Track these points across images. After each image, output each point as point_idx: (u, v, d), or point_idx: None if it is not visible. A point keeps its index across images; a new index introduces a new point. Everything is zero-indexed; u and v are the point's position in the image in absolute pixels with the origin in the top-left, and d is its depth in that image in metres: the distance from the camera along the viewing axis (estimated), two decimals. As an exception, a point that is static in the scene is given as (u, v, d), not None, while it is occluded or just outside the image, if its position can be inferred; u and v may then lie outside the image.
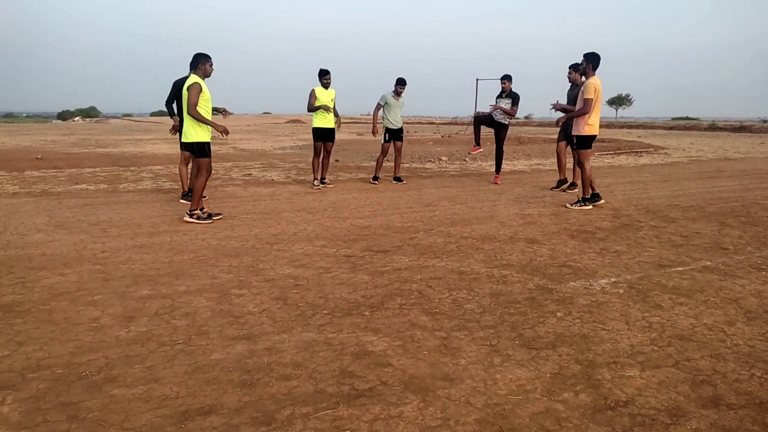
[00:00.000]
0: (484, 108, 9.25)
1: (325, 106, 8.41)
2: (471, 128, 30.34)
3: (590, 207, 7.11)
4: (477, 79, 29.46)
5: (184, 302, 3.51)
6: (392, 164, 10.01)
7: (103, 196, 7.73)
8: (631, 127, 46.26)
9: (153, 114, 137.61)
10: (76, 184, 8.92)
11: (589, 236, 5.52)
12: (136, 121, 77.77)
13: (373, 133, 9.56)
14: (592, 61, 6.92)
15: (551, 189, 8.87)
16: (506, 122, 9.23)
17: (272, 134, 29.04)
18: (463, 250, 4.94)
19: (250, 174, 10.62)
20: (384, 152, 9.55)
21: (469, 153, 9.44)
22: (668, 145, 20.21)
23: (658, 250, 4.98)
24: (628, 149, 17.02)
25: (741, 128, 39.08)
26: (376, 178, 9.54)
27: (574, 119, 7.14)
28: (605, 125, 49.51)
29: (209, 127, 6.00)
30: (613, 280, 4.08)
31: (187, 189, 7.30)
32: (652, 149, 17.57)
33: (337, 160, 13.59)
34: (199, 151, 5.96)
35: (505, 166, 12.78)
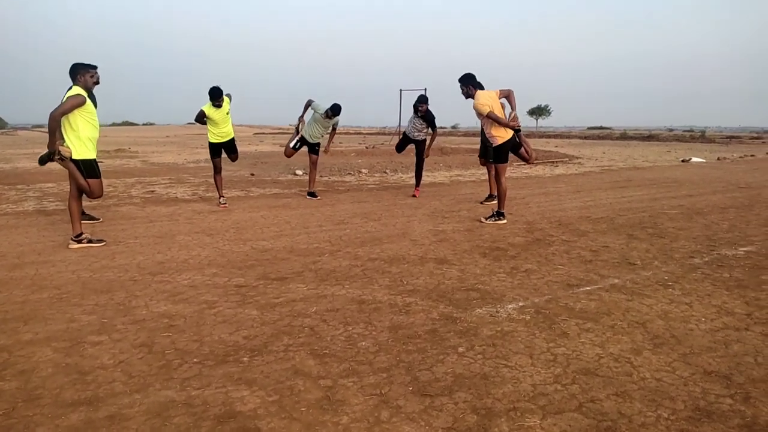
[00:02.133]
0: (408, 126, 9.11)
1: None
2: (395, 139, 30.35)
3: (505, 221, 6.97)
4: (401, 90, 29.45)
5: (23, 356, 2.95)
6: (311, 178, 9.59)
7: (-27, 221, 6.84)
8: (549, 137, 48.10)
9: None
10: (-55, 206, 7.91)
11: (500, 254, 5.32)
12: (46, 132, 72.66)
13: (297, 126, 9.03)
14: (469, 81, 6.87)
15: (480, 203, 8.66)
16: (423, 137, 9.13)
17: (190, 146, 27.82)
18: (368, 274, 4.59)
19: (153, 191, 9.87)
20: (287, 155, 9.22)
21: (413, 196, 9.27)
22: (582, 155, 20.92)
23: (567, 267, 4.84)
24: (544, 159, 17.40)
25: (650, 137, 41.48)
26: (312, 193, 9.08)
27: (488, 135, 7.03)
28: (525, 134, 51.20)
29: (94, 142, 5.38)
30: (520, 304, 3.85)
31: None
32: (567, 159, 18.06)
33: (252, 174, 13.01)
34: (86, 170, 5.30)
35: (426, 177, 12.64)
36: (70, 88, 5.35)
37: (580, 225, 6.78)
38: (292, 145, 9.11)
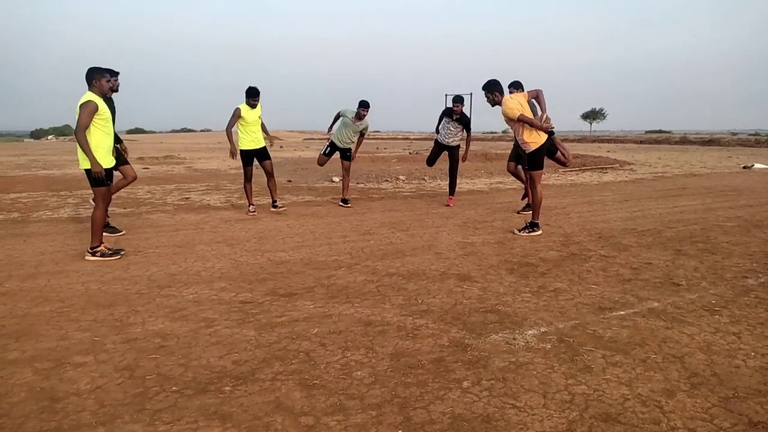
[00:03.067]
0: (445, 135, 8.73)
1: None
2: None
3: (539, 233, 6.55)
4: (446, 95, 29.03)
5: (1, 377, 2.81)
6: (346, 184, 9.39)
7: (8, 228, 6.96)
8: (602, 141, 46.42)
9: (129, 132, 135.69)
10: (-13, 212, 8.12)
11: (529, 270, 4.94)
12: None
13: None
14: (495, 88, 6.50)
15: (517, 212, 8.25)
16: (457, 143, 8.75)
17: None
18: (382, 291, 4.31)
19: (187, 198, 9.90)
20: (320, 163, 9.07)
21: (446, 205, 8.92)
22: (635, 161, 19.96)
23: (602, 287, 4.41)
24: (593, 166, 16.66)
25: (710, 141, 39.41)
26: (345, 200, 8.90)
27: (521, 144, 6.66)
28: (576, 140, 49.72)
29: (107, 150, 5.32)
30: (542, 330, 3.48)
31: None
32: (617, 165, 17.24)
33: (289, 181, 12.95)
34: (93, 178, 5.24)
35: (464, 185, 12.27)
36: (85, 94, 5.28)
37: (623, 238, 6.29)
38: (323, 151, 8.98)
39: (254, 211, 8.07)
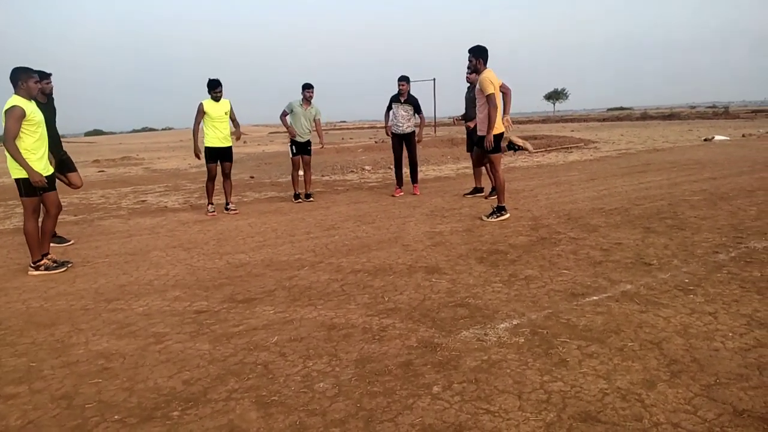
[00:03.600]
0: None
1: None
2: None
3: (507, 216, 6.42)
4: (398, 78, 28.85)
5: None
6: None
7: (-54, 244, 6.50)
8: (566, 121, 46.97)
9: (87, 134, 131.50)
10: (-75, 228, 7.60)
11: (499, 258, 4.78)
12: (69, 142, 73.45)
13: (291, 135, 8.53)
14: (481, 55, 6.33)
15: (464, 195, 8.26)
16: (412, 129, 8.52)
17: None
18: (347, 290, 4.10)
19: (143, 201, 9.49)
20: (295, 166, 8.68)
21: (392, 195, 8.67)
22: (599, 139, 20.11)
23: (573, 271, 4.28)
24: (558, 146, 16.69)
25: (671, 116, 40.18)
26: (297, 196, 8.60)
27: (479, 119, 6.48)
28: (540, 120, 50.14)
29: (41, 156, 4.89)
30: (515, 322, 3.32)
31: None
32: (582, 144, 17.32)
33: (252, 177, 12.60)
34: (25, 188, 4.83)
35: (430, 171, 12.13)
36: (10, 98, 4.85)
37: (592, 218, 6.19)
38: (291, 153, 8.64)
39: (213, 212, 7.75)
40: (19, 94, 4.74)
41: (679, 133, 21.84)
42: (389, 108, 8.49)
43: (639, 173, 10.05)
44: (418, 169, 9.06)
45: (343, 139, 32.66)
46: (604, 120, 43.15)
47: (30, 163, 4.74)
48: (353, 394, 2.56)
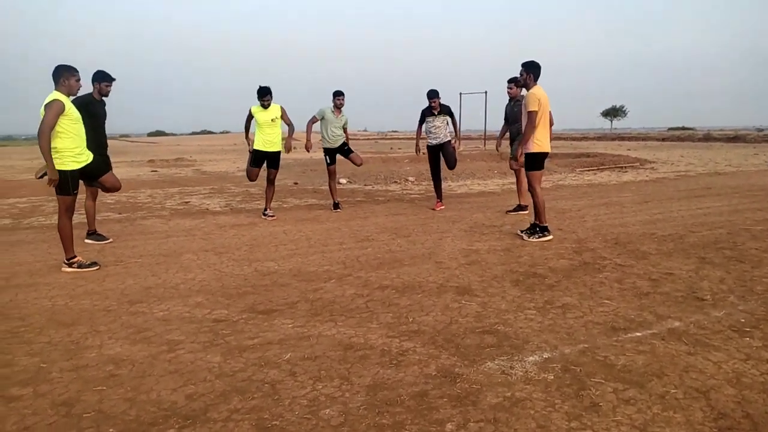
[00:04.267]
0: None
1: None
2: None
3: (550, 237, 6.11)
4: (460, 93, 28.59)
5: None
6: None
7: (-6, 235, 6.71)
8: (623, 139, 45.42)
9: (150, 134, 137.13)
10: (-21, 219, 7.90)
11: (537, 282, 4.50)
12: (133, 141, 76.92)
13: (306, 147, 8.52)
14: (532, 70, 6.08)
15: (506, 212, 8.00)
16: (449, 138, 8.30)
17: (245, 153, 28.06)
18: (371, 307, 3.92)
19: (187, 202, 9.61)
20: (331, 175, 8.59)
21: (432, 209, 8.50)
22: (657, 159, 19.27)
23: (616, 302, 3.96)
24: (612, 164, 16.06)
25: (735, 138, 38.24)
26: (336, 205, 8.53)
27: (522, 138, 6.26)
28: (595, 137, 48.78)
29: (76, 153, 4.92)
30: (545, 356, 3.05)
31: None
32: (638, 164, 16.61)
33: (295, 183, 12.63)
34: (60, 186, 4.85)
35: (476, 185, 11.87)
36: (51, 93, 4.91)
37: (642, 244, 5.81)
38: (327, 163, 8.56)
39: (272, 215, 7.74)
40: (59, 91, 4.81)
41: (744, 157, 20.68)
42: (421, 122, 8.32)
43: (697, 197, 9.47)
44: (442, 184, 8.90)
45: (391, 148, 32.61)
46: (663, 139, 41.47)
47: (64, 160, 4.79)
48: (359, 426, 2.37)
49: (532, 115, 5.91)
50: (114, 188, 5.67)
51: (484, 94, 27.97)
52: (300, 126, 8.45)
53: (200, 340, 3.34)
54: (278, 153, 7.78)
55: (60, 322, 3.66)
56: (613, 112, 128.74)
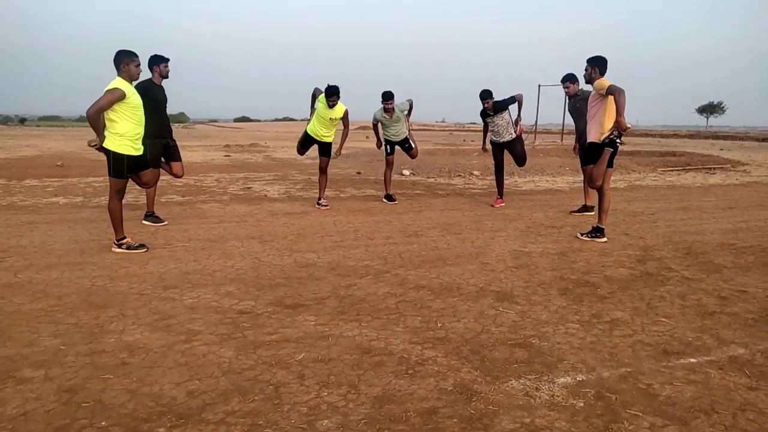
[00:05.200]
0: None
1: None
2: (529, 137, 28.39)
3: (604, 240, 5.74)
4: (539, 86, 27.55)
5: (-66, 390, 2.54)
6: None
7: (63, 212, 7.05)
8: (717, 138, 42.23)
9: (236, 120, 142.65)
10: (56, 196, 8.36)
11: (587, 292, 4.14)
12: (219, 126, 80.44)
13: (378, 145, 8.52)
14: (598, 64, 5.74)
15: (570, 212, 7.54)
16: (513, 136, 7.86)
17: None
18: (401, 308, 3.73)
19: (249, 188, 9.76)
20: (389, 165, 8.44)
21: (492, 206, 8.14)
22: (751, 161, 17.69)
23: (674, 321, 3.55)
24: (699, 165, 14.89)
25: None
26: (388, 196, 8.40)
27: (589, 127, 5.83)
28: (687, 135, 45.75)
29: (134, 139, 5.04)
30: (578, 378, 2.75)
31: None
32: (729, 165, 15.30)
33: (358, 173, 12.57)
34: (114, 168, 4.97)
35: (544, 182, 11.35)
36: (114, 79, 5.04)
37: (717, 256, 5.25)
38: (386, 153, 8.44)
39: (327, 205, 7.71)
40: (121, 77, 4.91)
41: None
42: (485, 124, 7.98)
43: (792, 205, 8.54)
44: (504, 181, 8.43)
45: (464, 140, 32.04)
46: (764, 140, 38.18)
47: (123, 144, 4.91)
48: (355, 442, 2.19)
49: (614, 88, 5.39)
50: (178, 175, 5.90)
51: (538, 87, 26.84)
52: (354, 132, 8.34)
53: (219, 332, 3.27)
54: (329, 143, 7.76)
55: (93, 303, 3.72)
56: (709, 109, 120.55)
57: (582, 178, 8.34)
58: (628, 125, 5.41)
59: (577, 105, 7.13)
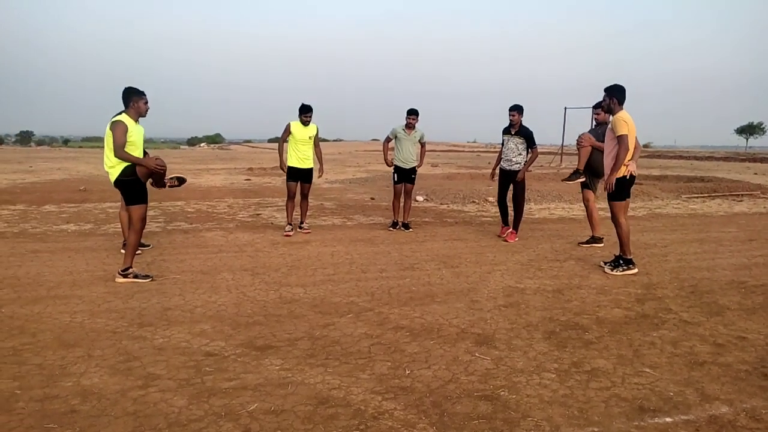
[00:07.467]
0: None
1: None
2: (557, 159, 28.00)
3: (635, 270, 5.77)
4: (565, 108, 27.29)
5: None
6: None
7: (69, 240, 7.16)
8: (755, 160, 40.86)
9: (270, 140, 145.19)
10: (67, 223, 8.52)
11: (573, 336, 3.95)
12: (253, 147, 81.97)
13: (387, 163, 8.62)
14: (615, 94, 5.70)
15: (578, 243, 7.33)
16: (520, 166, 7.57)
17: (347, 164, 28.57)
18: (373, 352, 3.61)
19: (258, 214, 9.79)
20: (396, 195, 8.36)
21: (498, 235, 7.95)
22: (785, 186, 17.02)
23: (659, 372, 3.35)
24: (726, 191, 14.38)
25: None
26: (394, 224, 8.33)
27: (605, 162, 5.79)
28: (722, 158, 44.51)
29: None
30: (538, 439, 2.58)
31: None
32: (758, 192, 14.73)
33: (372, 199, 12.52)
34: (129, 192, 5.14)
35: (560, 210, 11.08)
36: (119, 113, 5.18)
37: (723, 295, 4.99)
38: (393, 181, 8.42)
39: (291, 231, 7.76)
40: (128, 114, 5.10)
41: None
42: (503, 140, 7.73)
43: (819, 238, 8.12)
44: (523, 212, 7.89)
45: (489, 163, 31.76)
46: (804, 162, 36.77)
47: (131, 169, 5.06)
48: None
49: (623, 139, 5.54)
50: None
51: (564, 110, 26.58)
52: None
53: (179, 376, 3.21)
54: (311, 169, 7.97)
55: (64, 342, 3.70)
56: (749, 130, 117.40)
57: (604, 205, 8.11)
58: (633, 173, 5.73)
59: (599, 131, 6.94)
